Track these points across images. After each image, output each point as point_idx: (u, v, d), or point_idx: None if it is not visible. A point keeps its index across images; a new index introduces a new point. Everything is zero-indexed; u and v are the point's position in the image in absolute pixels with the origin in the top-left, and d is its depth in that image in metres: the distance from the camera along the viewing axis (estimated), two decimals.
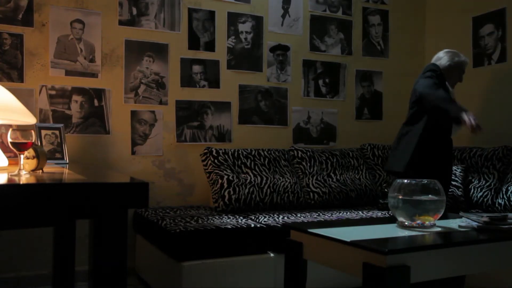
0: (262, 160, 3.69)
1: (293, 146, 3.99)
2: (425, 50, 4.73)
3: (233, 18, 3.96)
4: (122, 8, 3.60)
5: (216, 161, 3.54)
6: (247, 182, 3.51)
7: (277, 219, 3.17)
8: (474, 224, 2.05)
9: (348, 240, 1.78)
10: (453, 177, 3.70)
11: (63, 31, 3.43)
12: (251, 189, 3.49)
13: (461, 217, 2.27)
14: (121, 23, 3.60)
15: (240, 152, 3.66)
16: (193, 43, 3.82)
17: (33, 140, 1.78)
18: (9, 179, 1.60)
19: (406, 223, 2.02)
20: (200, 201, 3.82)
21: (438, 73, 3.09)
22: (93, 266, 1.47)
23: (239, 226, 2.95)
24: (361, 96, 4.49)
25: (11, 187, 1.41)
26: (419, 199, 1.99)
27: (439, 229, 2.02)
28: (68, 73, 3.45)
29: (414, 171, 2.96)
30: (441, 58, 3.18)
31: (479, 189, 3.64)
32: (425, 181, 2.04)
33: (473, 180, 3.74)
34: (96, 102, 3.52)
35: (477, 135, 2.87)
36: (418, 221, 2.00)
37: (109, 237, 1.46)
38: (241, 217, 3.24)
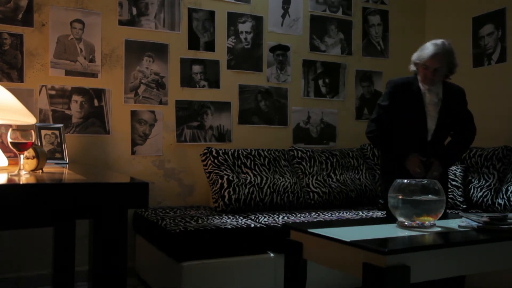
0: (262, 160, 3.69)
1: (293, 146, 3.99)
2: None
3: (233, 18, 3.96)
4: (122, 8, 3.59)
5: (216, 161, 3.54)
6: (247, 182, 3.51)
7: (277, 219, 3.17)
8: (474, 224, 2.05)
9: (348, 240, 1.78)
10: (453, 177, 3.71)
11: (63, 31, 3.43)
12: (251, 189, 3.49)
13: (461, 217, 2.27)
14: (121, 23, 3.60)
15: (240, 152, 3.66)
16: (193, 43, 3.82)
17: (33, 140, 1.78)
18: (9, 179, 1.60)
19: (406, 223, 2.02)
20: (200, 201, 3.82)
21: (385, 100, 2.87)
22: (93, 266, 1.47)
23: (239, 226, 2.95)
24: (361, 96, 4.49)
25: (11, 187, 1.41)
26: (419, 199, 1.99)
27: (439, 229, 2.02)
28: (68, 73, 3.45)
29: None
30: (418, 50, 2.84)
31: (479, 189, 3.64)
32: (425, 181, 2.04)
33: (473, 180, 3.74)
34: (96, 102, 3.52)
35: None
36: (418, 221, 2.00)
37: (109, 237, 1.46)
38: (241, 217, 3.24)
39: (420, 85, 2.82)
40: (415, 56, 2.81)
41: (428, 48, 2.76)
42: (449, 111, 2.83)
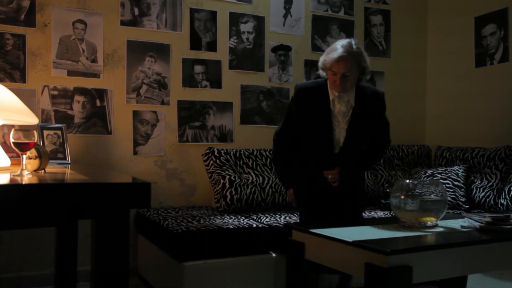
0: (264, 160, 3.69)
1: None
2: (427, 50, 4.72)
3: (235, 18, 3.96)
4: (124, 9, 3.60)
5: (218, 161, 3.54)
6: (249, 182, 3.51)
7: (279, 219, 3.17)
8: (477, 224, 2.05)
9: (350, 240, 1.78)
10: (455, 177, 3.70)
11: (65, 31, 3.44)
12: (253, 189, 3.49)
13: (463, 217, 2.27)
14: (123, 23, 3.60)
15: (242, 152, 3.66)
16: (195, 43, 3.82)
17: (35, 140, 1.78)
18: (11, 179, 1.60)
19: (408, 223, 2.02)
20: (202, 201, 3.82)
21: (290, 105, 2.62)
22: (95, 266, 1.47)
23: (241, 226, 2.95)
24: None
25: (14, 187, 1.41)
26: (421, 199, 1.99)
27: (441, 229, 2.02)
28: (70, 73, 3.45)
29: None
30: (325, 53, 2.51)
31: (481, 189, 3.64)
32: (427, 181, 2.04)
33: (475, 180, 3.73)
34: (98, 102, 3.52)
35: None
36: (420, 221, 2.00)
37: (111, 237, 1.46)
38: (243, 217, 3.24)
39: (330, 91, 2.50)
40: (321, 60, 2.47)
41: (335, 50, 2.40)
42: (361, 120, 2.50)
